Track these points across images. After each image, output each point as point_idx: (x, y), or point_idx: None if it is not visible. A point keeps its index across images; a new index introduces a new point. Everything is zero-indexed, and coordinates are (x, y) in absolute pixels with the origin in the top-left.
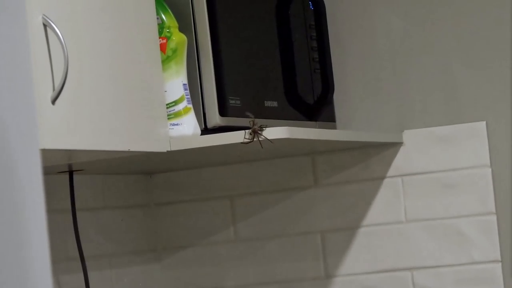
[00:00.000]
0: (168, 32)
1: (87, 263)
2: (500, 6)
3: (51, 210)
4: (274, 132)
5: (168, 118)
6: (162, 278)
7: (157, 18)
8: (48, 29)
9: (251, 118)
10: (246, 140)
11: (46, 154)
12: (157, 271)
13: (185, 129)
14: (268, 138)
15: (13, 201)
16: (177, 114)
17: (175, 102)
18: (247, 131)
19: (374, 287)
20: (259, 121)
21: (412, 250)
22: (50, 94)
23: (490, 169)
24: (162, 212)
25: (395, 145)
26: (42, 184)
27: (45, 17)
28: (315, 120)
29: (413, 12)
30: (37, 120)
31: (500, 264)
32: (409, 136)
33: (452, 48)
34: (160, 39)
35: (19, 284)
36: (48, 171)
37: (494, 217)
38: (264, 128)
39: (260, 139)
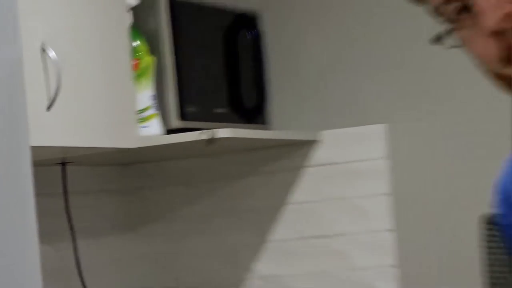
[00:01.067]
0: (139, 54)
1: (77, 235)
2: (394, 24)
3: (49, 193)
4: (222, 132)
5: (139, 122)
6: (135, 246)
7: (132, 43)
8: (46, 52)
9: (214, 136)
10: (210, 141)
11: (42, 150)
12: (132, 241)
13: (152, 130)
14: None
15: (7, 189)
16: (146, 119)
17: (144, 109)
18: (203, 135)
19: (297, 252)
20: (212, 126)
21: (326, 222)
22: (44, 103)
23: (387, 161)
24: (135, 196)
25: (314, 142)
26: (32, 174)
27: (43, 44)
28: (254, 123)
29: (329, 35)
30: (30, 124)
31: (392, 232)
32: (325, 135)
33: (359, 67)
34: (133, 60)
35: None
36: (46, 163)
37: (388, 198)
38: (215, 140)
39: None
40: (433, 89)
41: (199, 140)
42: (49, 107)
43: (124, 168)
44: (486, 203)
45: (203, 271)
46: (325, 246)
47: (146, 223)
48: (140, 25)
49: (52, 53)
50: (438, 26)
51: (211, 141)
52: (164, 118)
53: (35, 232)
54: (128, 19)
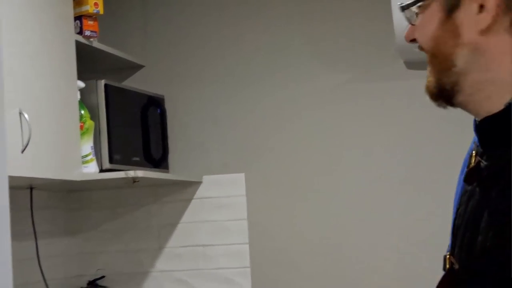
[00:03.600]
0: (84, 119)
1: (38, 236)
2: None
3: (20, 208)
4: (139, 173)
5: (82, 163)
6: (75, 246)
7: (80, 112)
8: (22, 115)
9: (132, 175)
10: (129, 178)
11: (17, 179)
12: (73, 242)
13: (91, 169)
14: (137, 179)
15: None
16: (87, 162)
17: (86, 155)
18: (128, 176)
19: (182, 255)
20: (130, 168)
21: (203, 235)
22: (20, 148)
23: (245, 197)
24: (77, 213)
25: (198, 183)
26: (8, 195)
27: (20, 109)
28: (158, 168)
29: (209, 113)
30: (9, 161)
31: (247, 245)
32: (205, 178)
33: (228, 133)
34: (80, 123)
35: None
36: (19, 188)
37: (245, 222)
38: (137, 180)
39: (135, 181)
40: (278, 147)
41: (124, 178)
42: (23, 151)
43: (70, 193)
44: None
45: (116, 266)
46: (201, 252)
47: (83, 231)
48: (85, 100)
49: (26, 116)
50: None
51: (135, 179)
52: (99, 161)
53: (8, 233)
54: (77, 95)
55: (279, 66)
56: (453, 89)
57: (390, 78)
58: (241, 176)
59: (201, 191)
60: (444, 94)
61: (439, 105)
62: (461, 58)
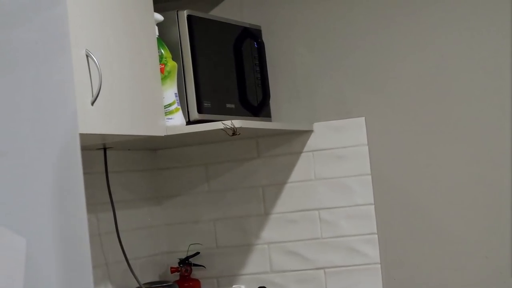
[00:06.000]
0: (165, 60)
1: (115, 206)
2: (372, 26)
3: (93, 172)
4: (237, 122)
5: (165, 114)
6: (162, 215)
7: (159, 51)
8: (89, 58)
9: (231, 127)
10: (227, 129)
11: (88, 137)
12: (159, 211)
13: (176, 121)
14: (238, 131)
15: (59, 170)
16: (171, 112)
17: (169, 105)
18: (227, 127)
19: (295, 221)
20: (224, 118)
21: (318, 197)
22: (90, 99)
23: (367, 147)
24: (162, 175)
25: (308, 132)
26: (80, 157)
27: (87, 50)
28: (258, 116)
29: (315, 46)
30: (79, 115)
31: (373, 206)
32: (317, 126)
33: (341, 68)
34: (160, 65)
35: (66, 222)
36: (90, 148)
37: (369, 177)
38: (238, 133)
39: (235, 133)
40: (405, 88)
41: (219, 130)
42: (93, 102)
43: (153, 152)
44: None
45: (218, 237)
46: (317, 217)
47: (170, 197)
48: (165, 37)
49: (94, 58)
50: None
51: (235, 130)
52: (186, 112)
53: (83, 203)
54: (156, 32)
55: None
56: None
57: None
58: (361, 121)
59: (312, 142)
60: None
61: None
62: None
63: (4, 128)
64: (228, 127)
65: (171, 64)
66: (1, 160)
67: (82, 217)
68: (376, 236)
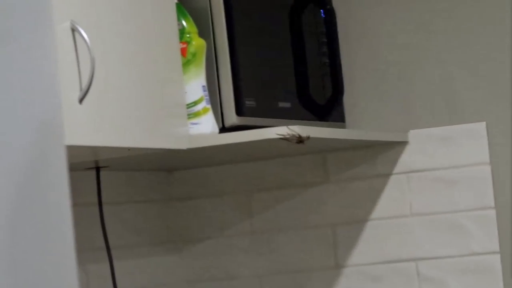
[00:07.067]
0: (188, 37)
1: (113, 253)
2: (497, 8)
3: (80, 203)
4: (304, 130)
5: (188, 118)
6: (181, 268)
7: (178, 24)
8: (75, 33)
9: (296, 134)
10: (290, 136)
11: (74, 150)
12: (177, 262)
13: (204, 128)
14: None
15: (40, 196)
16: (197, 114)
17: (195, 103)
18: (289, 135)
19: (381, 277)
20: (275, 123)
21: (416, 242)
22: (77, 94)
23: (489, 167)
24: (182, 207)
25: (401, 144)
26: (68, 178)
27: (73, 22)
28: (326, 120)
29: (415, 22)
30: (64, 118)
31: (498, 255)
32: (414, 136)
33: (452, 53)
34: (181, 44)
35: (47, 273)
36: (76, 168)
37: (493, 211)
38: (303, 140)
39: (301, 141)
40: None
41: (274, 141)
42: (81, 100)
43: (169, 174)
44: None
45: None
46: (414, 271)
47: (193, 242)
48: (189, 3)
49: (83, 34)
50: None
51: (302, 139)
52: (219, 114)
53: (72, 250)
54: None
55: None
56: None
57: None
58: (480, 127)
59: (406, 159)
60: None
61: None
62: None
63: None
64: (287, 135)
65: (198, 43)
66: None
67: (71, 271)
68: None
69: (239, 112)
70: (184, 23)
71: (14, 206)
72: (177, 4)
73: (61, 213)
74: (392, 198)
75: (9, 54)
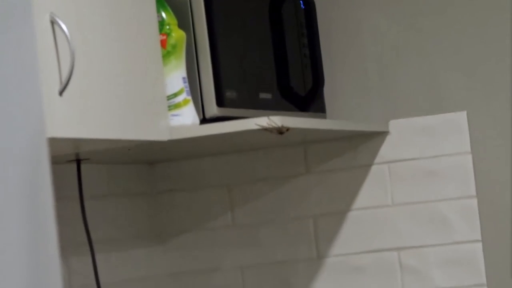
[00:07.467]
0: (168, 28)
1: (94, 247)
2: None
3: (61, 197)
4: (282, 120)
5: (169, 109)
6: (164, 261)
7: (158, 16)
8: (55, 26)
9: (274, 125)
10: (271, 128)
11: (55, 143)
12: (160, 255)
13: (185, 119)
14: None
15: (23, 190)
16: (177, 106)
17: (175, 94)
18: (269, 126)
19: (363, 267)
20: (256, 113)
21: (398, 232)
22: (57, 87)
23: (470, 156)
24: (164, 200)
25: (382, 134)
26: (50, 172)
27: (52, 14)
28: (307, 111)
29: (397, 11)
30: (44, 111)
31: (480, 244)
32: (394, 126)
33: (433, 43)
34: (161, 36)
35: (31, 269)
36: (57, 161)
37: (475, 201)
38: (283, 131)
39: (282, 132)
40: None
41: (253, 132)
42: (61, 92)
43: (150, 167)
44: None
45: None
46: (396, 261)
47: (176, 234)
48: None
49: (63, 27)
50: None
51: (281, 130)
52: (199, 105)
53: (55, 244)
54: None
55: None
56: None
57: None
58: (461, 117)
59: (387, 149)
60: None
61: None
62: None
63: None
64: (267, 126)
65: (177, 35)
66: None
67: (54, 265)
68: None
69: (219, 103)
70: (163, 14)
71: None
72: None
73: (44, 208)
74: (374, 189)
75: None
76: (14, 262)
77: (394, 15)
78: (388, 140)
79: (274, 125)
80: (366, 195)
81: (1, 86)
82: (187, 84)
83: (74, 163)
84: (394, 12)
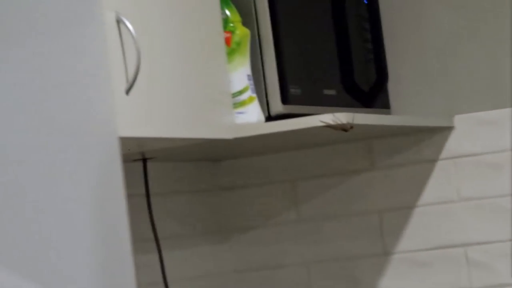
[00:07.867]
0: (232, 26)
1: (161, 244)
2: None
3: (127, 195)
4: (350, 116)
5: (234, 107)
6: (229, 257)
7: (222, 13)
8: (121, 25)
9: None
10: (336, 125)
11: (121, 142)
12: (225, 251)
13: (250, 117)
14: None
15: (96, 190)
16: (242, 103)
17: (240, 92)
18: (333, 121)
19: (429, 263)
20: (321, 110)
21: (464, 227)
22: (124, 86)
23: None
24: (228, 196)
25: (447, 129)
26: (122, 170)
27: (118, 14)
28: (371, 107)
29: (460, 4)
30: (114, 110)
31: None
32: (459, 121)
33: (497, 36)
34: (225, 33)
35: (103, 266)
36: (124, 159)
37: None
38: (348, 129)
39: (346, 130)
40: None
41: (323, 127)
42: (128, 91)
43: (215, 164)
44: None
45: None
46: (463, 257)
47: (240, 231)
48: None
49: (129, 26)
50: None
51: (346, 127)
52: (264, 102)
53: (128, 242)
54: None
55: None
56: None
57: None
58: None
59: (453, 144)
60: None
61: None
62: None
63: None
64: (334, 123)
65: (242, 32)
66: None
67: (128, 263)
68: None
69: (284, 100)
70: (227, 12)
71: (73, 200)
72: None
73: (117, 207)
74: (439, 184)
75: (59, 46)
76: (87, 260)
77: (457, 7)
78: (453, 134)
79: (339, 122)
80: (432, 190)
81: (73, 86)
82: (252, 81)
83: (140, 161)
84: (456, 3)
